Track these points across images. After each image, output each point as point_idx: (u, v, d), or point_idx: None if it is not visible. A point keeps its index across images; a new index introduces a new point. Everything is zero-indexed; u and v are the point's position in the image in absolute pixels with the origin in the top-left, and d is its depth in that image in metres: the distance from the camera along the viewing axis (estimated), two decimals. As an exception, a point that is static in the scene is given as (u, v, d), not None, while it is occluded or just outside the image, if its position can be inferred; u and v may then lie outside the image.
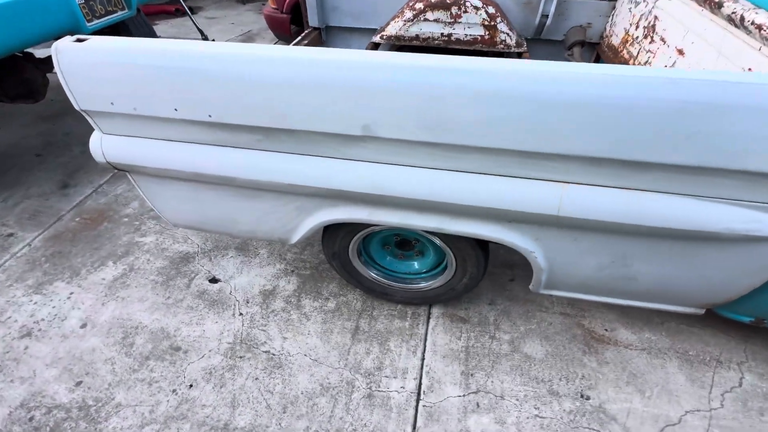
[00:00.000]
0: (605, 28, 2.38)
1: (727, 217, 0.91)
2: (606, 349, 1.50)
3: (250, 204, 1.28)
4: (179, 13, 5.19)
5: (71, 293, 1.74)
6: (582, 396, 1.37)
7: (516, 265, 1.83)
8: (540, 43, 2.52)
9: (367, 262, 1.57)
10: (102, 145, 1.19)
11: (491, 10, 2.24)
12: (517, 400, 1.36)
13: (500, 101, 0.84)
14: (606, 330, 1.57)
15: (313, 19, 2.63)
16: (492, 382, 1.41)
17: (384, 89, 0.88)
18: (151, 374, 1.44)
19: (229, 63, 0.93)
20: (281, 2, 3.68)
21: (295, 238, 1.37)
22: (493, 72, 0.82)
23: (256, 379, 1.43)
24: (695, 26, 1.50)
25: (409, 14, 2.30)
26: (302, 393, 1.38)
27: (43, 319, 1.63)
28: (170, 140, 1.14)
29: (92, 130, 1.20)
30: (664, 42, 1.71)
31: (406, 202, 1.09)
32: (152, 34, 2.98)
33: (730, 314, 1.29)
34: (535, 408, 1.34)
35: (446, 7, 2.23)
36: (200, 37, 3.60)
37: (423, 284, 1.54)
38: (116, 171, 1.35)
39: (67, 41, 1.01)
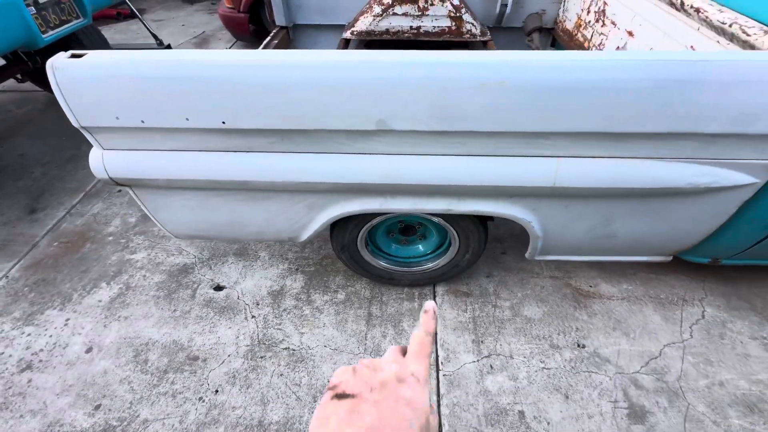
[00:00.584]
0: (558, 14, 2.58)
1: (689, 173, 1.09)
2: (593, 303, 1.69)
3: (260, 206, 1.31)
4: (122, 17, 4.86)
5: (67, 320, 1.67)
6: (578, 345, 1.55)
7: (505, 239, 1.99)
8: (501, 30, 2.68)
9: (374, 252, 1.64)
10: (104, 162, 1.17)
11: (456, 1, 2.35)
12: (525, 357, 1.51)
13: (503, 90, 0.94)
14: (590, 286, 1.76)
15: (279, 18, 2.61)
16: (500, 345, 1.55)
17: (397, 85, 0.95)
18: (172, 387, 1.44)
19: (243, 69, 0.96)
20: (238, 1, 3.59)
21: (305, 235, 1.42)
22: (496, 64, 0.92)
23: (281, 375, 1.47)
24: (641, 10, 1.69)
25: (377, 9, 2.36)
26: (328, 381, 1.45)
27: (41, 350, 1.56)
28: (179, 150, 1.14)
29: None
30: (615, 25, 1.91)
31: (418, 189, 1.18)
32: (104, 44, 2.81)
33: (691, 257, 1.50)
34: (541, 362, 1.50)
35: (413, 1, 2.32)
36: (154, 42, 3.43)
37: (429, 265, 1.65)
38: (117, 187, 1.32)
39: (62, 57, 0.99)
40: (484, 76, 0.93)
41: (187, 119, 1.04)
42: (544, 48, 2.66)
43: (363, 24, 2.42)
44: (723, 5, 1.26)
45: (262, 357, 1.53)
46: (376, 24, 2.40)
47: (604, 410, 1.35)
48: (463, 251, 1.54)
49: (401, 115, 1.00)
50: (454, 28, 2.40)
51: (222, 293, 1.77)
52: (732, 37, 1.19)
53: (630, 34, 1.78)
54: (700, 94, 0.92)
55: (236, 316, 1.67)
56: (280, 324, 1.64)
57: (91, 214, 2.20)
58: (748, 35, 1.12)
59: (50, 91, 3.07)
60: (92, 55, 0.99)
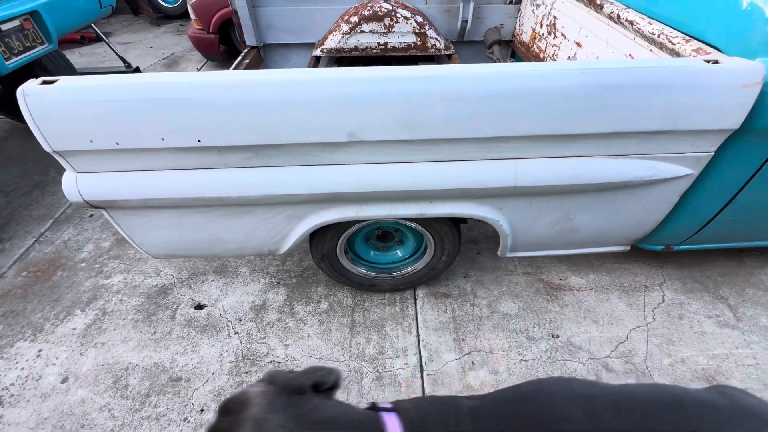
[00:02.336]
0: (515, 28, 2.76)
1: (634, 168, 1.20)
2: (564, 295, 1.79)
3: (238, 220, 1.34)
4: (86, 40, 4.78)
5: (40, 350, 1.61)
6: (553, 336, 1.63)
7: (479, 240, 2.08)
8: (464, 44, 2.83)
9: (354, 260, 1.69)
10: (78, 185, 1.17)
11: (419, 18, 2.49)
12: (504, 351, 1.58)
13: (461, 99, 1.03)
14: (561, 279, 1.86)
15: (249, 39, 2.66)
16: (480, 341, 1.62)
17: (364, 99, 1.02)
18: (155, 410, 1.42)
19: (217, 89, 1.00)
20: (207, 22, 3.62)
21: (286, 247, 1.45)
22: (453, 77, 1.01)
23: (268, 388, 1.47)
24: (586, 23, 1.86)
25: (345, 27, 2.46)
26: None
27: (12, 384, 1.50)
28: (155, 169, 1.17)
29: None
30: (565, 37, 2.07)
31: (391, 195, 1.24)
32: (70, 68, 2.77)
33: (647, 246, 1.63)
34: (519, 354, 1.57)
35: (379, 19, 2.43)
36: (122, 65, 3.40)
37: (408, 269, 1.70)
38: (90, 210, 1.31)
39: (33, 84, 1.00)
40: (443, 88, 1.01)
41: (163, 139, 1.07)
42: (505, 59, 2.82)
43: (332, 42, 2.51)
44: (652, 18, 1.42)
45: (247, 372, 1.52)
46: (345, 41, 2.49)
47: (580, 395, 1.43)
48: (440, 254, 1.61)
49: (370, 126, 1.07)
50: (419, 43, 2.52)
51: (203, 311, 1.76)
52: (661, 46, 1.33)
53: (578, 45, 1.94)
54: (634, 96, 1.04)
55: (219, 333, 1.67)
56: (264, 338, 1.65)
57: (61, 241, 2.14)
58: (672, 44, 1.26)
59: (14, 117, 2.98)
60: (64, 81, 1.01)
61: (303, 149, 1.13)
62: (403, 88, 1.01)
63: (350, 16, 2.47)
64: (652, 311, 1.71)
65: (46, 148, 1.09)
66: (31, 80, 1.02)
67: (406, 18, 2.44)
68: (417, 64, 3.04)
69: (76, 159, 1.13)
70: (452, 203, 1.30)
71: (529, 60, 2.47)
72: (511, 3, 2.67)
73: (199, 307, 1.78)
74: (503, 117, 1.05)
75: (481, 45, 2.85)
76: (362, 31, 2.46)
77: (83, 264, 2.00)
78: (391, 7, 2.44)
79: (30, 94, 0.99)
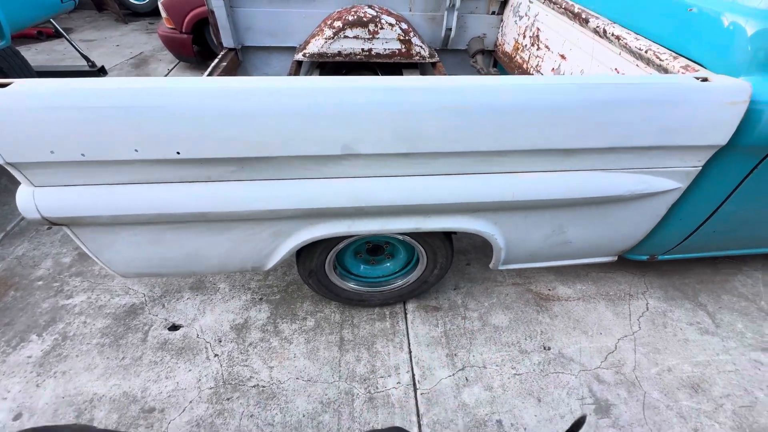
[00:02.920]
0: (497, 38, 2.79)
1: (628, 182, 1.21)
2: (553, 305, 1.79)
3: (221, 237, 1.24)
4: (44, 36, 4.45)
5: (-12, 383, 1.43)
6: (544, 348, 1.62)
7: (468, 251, 2.06)
8: (447, 52, 2.83)
9: (343, 275, 1.61)
10: (35, 200, 1.04)
11: (404, 26, 2.46)
12: (497, 365, 1.55)
13: (461, 112, 0.99)
14: (549, 290, 1.87)
15: (227, 40, 2.55)
16: (473, 356, 1.58)
17: (361, 110, 0.96)
18: (125, 446, 1.29)
19: (200, 97, 0.92)
20: (180, 21, 3.45)
21: (271, 263, 1.36)
22: (452, 89, 0.97)
23: (252, 416, 1.37)
24: (570, 36, 1.88)
25: (329, 32, 2.40)
26: (304, 416, 1.38)
27: (-46, 424, 1.32)
28: (127, 183, 1.06)
29: None
30: (549, 49, 2.10)
31: (385, 210, 1.19)
32: (26, 67, 2.54)
33: (632, 256, 1.66)
34: (512, 368, 1.55)
35: (363, 25, 2.39)
36: (85, 64, 3.17)
37: (399, 282, 1.65)
38: (50, 226, 1.18)
39: None
40: (442, 101, 0.97)
41: (137, 150, 0.97)
42: (488, 68, 2.85)
43: (315, 46, 2.44)
44: (638, 34, 1.45)
45: (228, 399, 1.42)
46: (328, 46, 2.43)
47: (574, 408, 1.42)
48: (432, 267, 1.56)
49: (366, 139, 1.01)
50: (404, 50, 2.49)
51: (178, 333, 1.63)
52: (648, 62, 1.36)
53: (562, 57, 1.96)
54: (631, 112, 1.04)
55: (196, 356, 1.54)
56: (246, 360, 1.54)
57: (14, 257, 1.93)
58: (660, 60, 1.29)
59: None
60: (20, 84, 0.89)
61: (293, 162, 1.05)
62: (401, 99, 0.96)
63: (334, 21, 2.41)
64: (638, 320, 1.74)
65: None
66: (-20, 83, 0.90)
67: (391, 24, 2.41)
68: (401, 71, 3.02)
69: (34, 171, 1.01)
70: (448, 217, 1.26)
71: (512, 70, 2.50)
72: (494, 13, 2.70)
73: (174, 327, 1.64)
74: (503, 131, 1.02)
75: (464, 54, 2.86)
76: (346, 37, 2.41)
77: (40, 282, 1.81)
78: (375, 13, 2.41)
79: (-23, 99, 0.87)
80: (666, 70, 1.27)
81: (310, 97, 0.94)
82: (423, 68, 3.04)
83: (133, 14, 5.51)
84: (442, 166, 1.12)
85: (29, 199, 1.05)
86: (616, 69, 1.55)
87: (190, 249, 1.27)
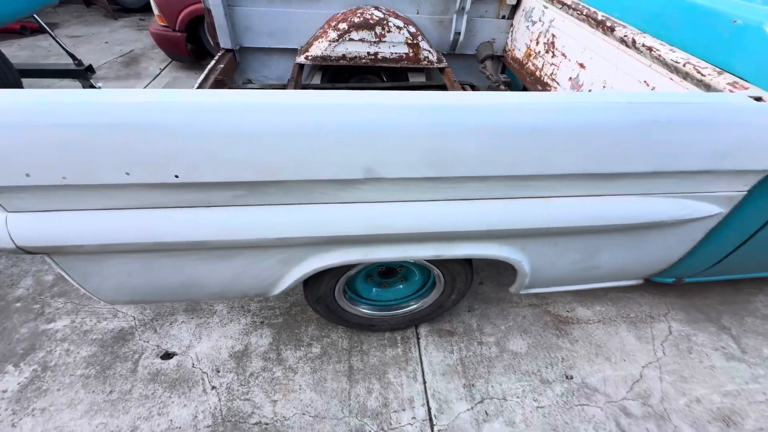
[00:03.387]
0: (507, 43, 2.69)
1: (670, 208, 1.11)
2: (572, 329, 1.70)
3: (222, 264, 1.12)
4: (28, 31, 4.23)
5: (-44, 423, 1.28)
6: (567, 377, 1.52)
7: (482, 269, 1.95)
8: (455, 57, 2.73)
9: (353, 299, 1.50)
10: (9, 227, 0.90)
11: (412, 29, 2.35)
12: (518, 397, 1.45)
13: (501, 133, 0.88)
14: (568, 311, 1.77)
15: (225, 41, 2.41)
16: (492, 387, 1.48)
17: (388, 130, 0.85)
18: (112, 496, 1.15)
19: (204, 114, 0.79)
20: (173, 19, 3.29)
21: (277, 290, 1.24)
22: (490, 107, 0.86)
23: (254, 458, 1.25)
24: (591, 44, 1.79)
25: (333, 34, 2.28)
26: (312, 457, 1.26)
27: None
28: (116, 208, 0.92)
29: None
30: (565, 57, 2.01)
31: (406, 236, 1.07)
32: (6, 65, 2.36)
33: (658, 279, 1.57)
34: (534, 400, 1.45)
35: (370, 27, 2.27)
36: (71, 62, 2.99)
37: (412, 306, 1.54)
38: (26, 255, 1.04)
39: None
40: (480, 120, 0.86)
41: (128, 174, 0.84)
42: (496, 75, 2.75)
43: (318, 49, 2.32)
44: (673, 46, 1.35)
45: (228, 438, 1.29)
46: (332, 49, 2.31)
47: (602, 445, 1.33)
48: (449, 292, 1.46)
49: (392, 162, 0.89)
50: (411, 54, 2.39)
51: (172, 362, 1.49)
52: (686, 76, 1.26)
53: (581, 66, 1.87)
54: (682, 133, 0.94)
55: (192, 389, 1.41)
56: (247, 393, 1.41)
57: (-10, 275, 1.77)
58: (702, 75, 1.20)
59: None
60: (-11, 97, 0.76)
61: (309, 186, 0.93)
62: (433, 118, 0.85)
63: (338, 23, 2.29)
64: (662, 345, 1.66)
65: (-39, 185, 0.82)
66: (-60, 93, 0.76)
67: (399, 28, 2.30)
68: (407, 75, 2.91)
69: (6, 196, 0.87)
70: (472, 244, 1.15)
71: (524, 77, 2.41)
72: (504, 18, 2.60)
73: (167, 356, 1.51)
74: (545, 154, 0.92)
75: (473, 59, 2.76)
76: (351, 39, 2.29)
77: (18, 304, 1.66)
78: (382, 16, 2.29)
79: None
80: (708, 86, 1.18)
81: (329, 114, 0.82)
82: (430, 73, 2.93)
83: (122, 10, 5.29)
84: (472, 191, 1.01)
85: (1, 226, 0.91)
86: (645, 82, 1.46)
87: (187, 277, 1.14)
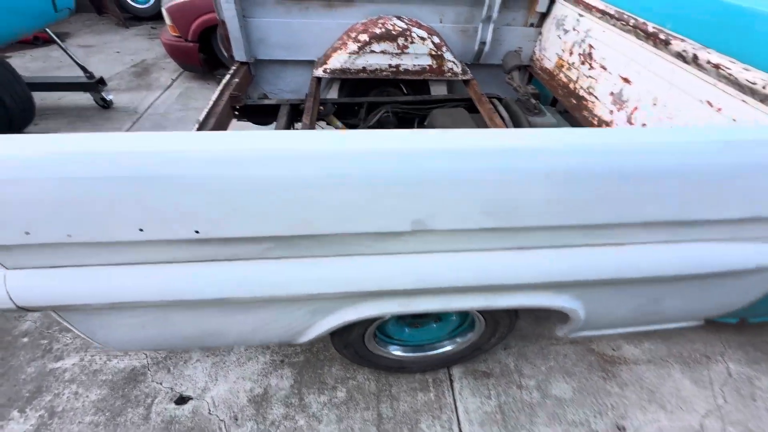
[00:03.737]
0: (534, 52, 2.54)
1: (759, 255, 0.97)
2: (620, 370, 1.55)
3: (246, 316, 1.00)
4: (40, 41, 4.20)
5: (-43, 479, 1.19)
6: (619, 428, 1.38)
7: (514, 298, 1.81)
8: (478, 67, 2.59)
9: (383, 341, 1.37)
10: (7, 286, 0.79)
11: (436, 40, 2.23)
12: (566, 452, 1.31)
13: (576, 179, 0.75)
14: (613, 350, 1.62)
15: (239, 53, 2.31)
16: (536, 439, 1.34)
17: (445, 178, 0.72)
18: None
19: (229, 164, 0.67)
20: (185, 29, 3.21)
21: (303, 340, 1.12)
22: (564, 149, 0.73)
23: None
24: (638, 58, 1.64)
25: (353, 46, 2.16)
26: None
27: None
28: (128, 263, 0.81)
29: None
30: (606, 69, 1.86)
31: (453, 289, 0.94)
32: (15, 80, 2.29)
33: (722, 319, 1.41)
34: (584, 456, 1.30)
35: (392, 39, 2.15)
36: (82, 75, 2.92)
37: (447, 347, 1.40)
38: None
39: None
40: (553, 164, 0.73)
41: (141, 230, 0.72)
42: (523, 85, 2.60)
43: (337, 61, 2.20)
44: (747, 65, 1.20)
45: (248, 501, 1.17)
46: (352, 62, 2.19)
47: None
48: (489, 335, 1.32)
49: (446, 213, 0.77)
50: (435, 66, 2.26)
51: (187, 407, 1.38)
52: (765, 98, 1.11)
53: (626, 80, 1.72)
54: (785, 176, 0.80)
55: (209, 440, 1.30)
56: (268, 445, 1.29)
57: (-4, 306, 1.68)
58: (788, 99, 1.05)
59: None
60: (-19, 146, 0.65)
61: (347, 239, 0.81)
62: (498, 164, 0.72)
63: (358, 34, 2.17)
64: (721, 390, 1.50)
65: (-46, 243, 0.71)
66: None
67: (422, 38, 2.17)
68: (429, 87, 2.78)
69: (5, 253, 0.76)
70: (525, 294, 1.01)
71: (555, 89, 2.26)
72: (532, 26, 2.46)
73: (182, 400, 1.40)
74: (628, 200, 0.78)
75: (497, 69, 2.61)
76: (372, 51, 2.17)
77: (26, 339, 1.56)
78: (405, 26, 2.17)
79: None
80: (797, 113, 1.03)
81: (377, 162, 0.70)
82: (452, 85, 2.80)
83: (134, 18, 5.26)
84: (532, 240, 0.87)
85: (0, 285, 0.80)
86: (708, 102, 1.31)
87: (206, 328, 1.03)
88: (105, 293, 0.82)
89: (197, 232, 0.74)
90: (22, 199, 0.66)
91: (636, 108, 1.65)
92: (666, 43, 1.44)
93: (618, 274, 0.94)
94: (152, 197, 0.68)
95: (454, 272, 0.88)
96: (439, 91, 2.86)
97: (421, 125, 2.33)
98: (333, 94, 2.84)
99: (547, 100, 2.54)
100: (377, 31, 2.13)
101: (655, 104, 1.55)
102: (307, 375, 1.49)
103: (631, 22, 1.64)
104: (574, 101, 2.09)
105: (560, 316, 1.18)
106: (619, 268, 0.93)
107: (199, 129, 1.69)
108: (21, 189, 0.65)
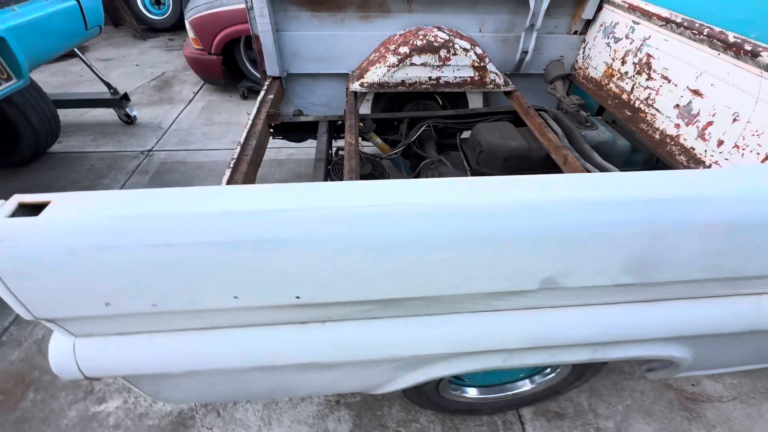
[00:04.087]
0: (576, 61, 2.43)
1: None
2: (704, 409, 1.42)
3: (327, 374, 0.90)
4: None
5: None
6: (713, 478, 1.25)
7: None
8: (516, 77, 2.48)
9: (456, 384, 1.26)
10: (77, 355, 0.70)
11: (479, 50, 2.13)
12: (660, 507, 1.19)
13: (736, 231, 0.64)
14: (693, 385, 1.50)
15: (272, 69, 2.23)
16: (624, 491, 1.22)
17: (587, 234, 0.62)
18: None
19: (339, 224, 0.57)
20: (209, 42, 3.14)
21: (381, 391, 1.01)
22: (732, 197, 0.62)
23: None
24: (711, 69, 1.53)
25: (393, 59, 2.07)
26: None
27: None
28: (213, 328, 0.71)
29: None
30: (669, 81, 1.74)
31: (565, 344, 0.83)
32: (42, 99, 2.23)
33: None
34: None
35: (434, 51, 2.05)
36: (107, 90, 2.86)
37: (524, 388, 1.29)
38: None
39: (2, 217, 0.54)
40: (719, 214, 0.62)
41: (236, 297, 0.63)
42: (564, 95, 2.49)
43: (375, 75, 2.11)
44: None
45: None
46: (391, 75, 2.10)
47: None
48: (573, 378, 1.21)
49: (583, 270, 0.66)
50: (477, 78, 2.16)
51: (241, 456, 1.28)
52: None
53: (696, 93, 1.60)
54: None
55: (269, 495, 1.19)
56: (333, 501, 1.19)
57: (33, 341, 1.60)
58: None
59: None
60: (63, 209, 0.55)
61: (462, 298, 0.71)
62: (647, 216, 0.61)
63: (398, 46, 2.07)
64: (820, 431, 1.37)
65: (25, 315, 0.62)
66: (-1, 207, 0.56)
67: (465, 50, 2.07)
68: (466, 99, 2.68)
69: (78, 321, 0.67)
70: (635, 346, 0.90)
71: (604, 100, 2.14)
72: (575, 33, 2.35)
73: (235, 448, 1.30)
74: (791, 255, 0.67)
75: (536, 78, 2.50)
76: (412, 64, 2.08)
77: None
78: (447, 37, 2.07)
79: (-3, 236, 0.53)
80: None
81: (507, 218, 0.60)
82: (487, 97, 2.70)
83: (151, 29, 5.23)
84: (667, 291, 0.76)
85: (67, 353, 0.71)
86: (810, 119, 1.20)
87: (280, 385, 0.93)
88: (184, 361, 0.73)
89: (298, 297, 0.64)
90: (108, 268, 0.57)
91: (710, 123, 1.53)
92: (754, 55, 1.32)
93: (754, 326, 0.82)
94: (252, 263, 0.59)
95: (572, 328, 0.78)
96: (474, 102, 2.76)
97: (462, 139, 2.23)
98: (365, 107, 2.75)
99: (593, 110, 2.43)
100: (418, 42, 2.04)
101: (736, 120, 1.43)
102: (366, 417, 1.38)
103: (705, 31, 1.52)
104: (629, 113, 1.97)
105: (661, 362, 1.06)
106: (757, 319, 0.81)
107: (241, 151, 1.61)
108: (107, 257, 0.56)
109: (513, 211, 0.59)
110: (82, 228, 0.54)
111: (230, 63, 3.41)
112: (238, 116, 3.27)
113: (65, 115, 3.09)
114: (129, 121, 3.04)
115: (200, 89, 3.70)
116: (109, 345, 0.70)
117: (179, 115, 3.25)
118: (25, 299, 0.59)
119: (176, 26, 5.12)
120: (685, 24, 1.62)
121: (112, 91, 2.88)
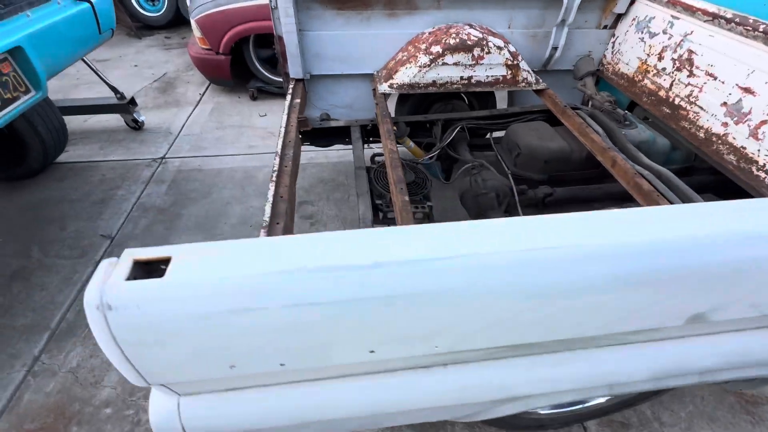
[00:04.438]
0: (605, 55, 2.38)
1: None
2: (766, 412, 1.42)
3: (425, 412, 0.84)
4: (52, 58, 3.96)
5: None
6: (786, 483, 1.25)
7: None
8: (545, 74, 2.43)
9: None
10: (181, 416, 0.63)
11: (512, 48, 2.06)
12: None
13: None
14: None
15: (295, 70, 2.13)
16: (701, 502, 1.20)
17: (751, 268, 0.57)
18: None
19: (491, 271, 0.51)
20: (217, 41, 3.00)
21: (469, 420, 0.96)
22: None
23: None
24: (766, 66, 1.49)
25: (425, 59, 1.99)
26: None
27: None
28: (333, 378, 0.65)
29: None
30: (715, 78, 1.70)
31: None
32: (51, 110, 2.10)
33: None
34: None
35: (468, 49, 1.98)
36: (114, 95, 2.72)
37: (599, 401, 1.26)
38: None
39: (117, 280, 0.47)
40: None
41: (373, 351, 0.57)
42: (599, 93, 2.44)
43: (405, 75, 2.04)
44: None
45: None
46: (422, 75, 2.03)
47: None
48: (651, 394, 1.18)
49: (735, 305, 0.62)
50: (509, 77, 2.10)
51: (308, 485, 1.22)
52: None
53: (746, 90, 1.57)
54: None
55: None
56: None
57: (68, 370, 1.51)
58: None
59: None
60: (189, 266, 0.49)
61: (599, 337, 0.66)
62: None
63: (430, 45, 2.00)
64: None
65: (136, 383, 0.55)
66: (103, 265, 0.49)
67: (499, 48, 2.01)
68: (494, 99, 2.61)
69: (190, 383, 0.60)
70: (753, 369, 0.87)
71: (638, 97, 2.10)
72: (605, 28, 2.30)
73: (300, 477, 1.24)
74: None
75: (564, 74, 2.45)
76: (444, 63, 2.00)
77: (108, 410, 1.40)
78: (480, 35, 2.00)
79: (117, 305, 0.46)
80: None
81: (671, 256, 0.55)
82: (512, 95, 2.63)
83: (145, 27, 5.00)
84: (799, 318, 0.73)
85: (171, 413, 0.64)
86: None
87: (374, 423, 0.87)
88: (299, 413, 0.67)
89: (437, 347, 0.58)
90: (242, 332, 0.50)
91: (764, 122, 1.50)
92: (820, 53, 1.29)
93: None
94: (407, 317, 0.52)
95: (707, 359, 0.74)
96: (497, 100, 2.70)
97: (494, 139, 2.17)
98: (391, 106, 2.67)
99: (623, 106, 2.39)
100: (451, 41, 1.96)
101: (795, 119, 1.41)
102: (430, 436, 1.34)
103: (761, 27, 1.48)
104: (667, 110, 1.93)
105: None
106: None
107: (280, 162, 1.53)
108: (242, 320, 0.49)
109: (681, 248, 0.54)
110: (215, 290, 0.48)
111: (238, 62, 3.28)
112: (250, 118, 3.15)
113: (68, 121, 2.93)
114: (137, 126, 2.90)
115: (206, 90, 3.56)
116: (218, 402, 0.64)
117: (188, 118, 3.12)
118: (143, 367, 0.52)
119: (172, 23, 4.91)
120: (737, 20, 1.58)
121: (118, 95, 2.74)
